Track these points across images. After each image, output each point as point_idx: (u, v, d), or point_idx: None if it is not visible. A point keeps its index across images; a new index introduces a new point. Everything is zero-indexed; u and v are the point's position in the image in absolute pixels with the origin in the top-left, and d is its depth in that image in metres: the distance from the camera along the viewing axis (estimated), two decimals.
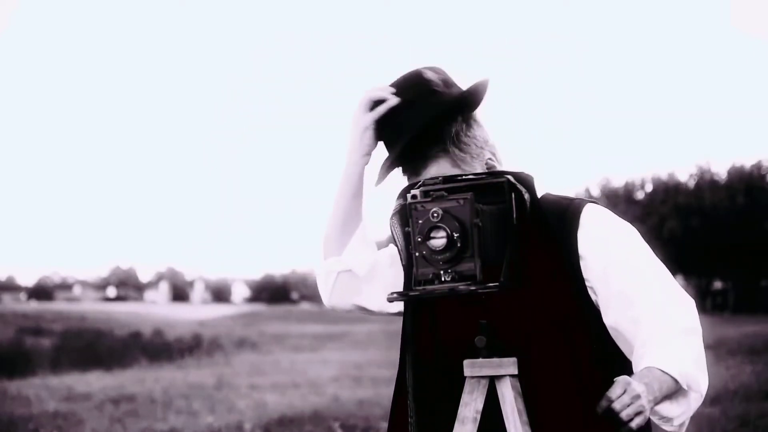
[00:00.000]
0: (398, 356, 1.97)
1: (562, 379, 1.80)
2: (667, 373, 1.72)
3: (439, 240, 1.63)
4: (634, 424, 1.65)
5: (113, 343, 21.82)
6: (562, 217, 1.86)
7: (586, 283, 1.84)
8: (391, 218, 1.86)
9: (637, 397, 1.65)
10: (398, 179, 1.97)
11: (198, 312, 54.04)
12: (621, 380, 1.67)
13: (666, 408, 1.75)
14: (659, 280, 1.84)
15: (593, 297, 1.84)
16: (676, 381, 1.73)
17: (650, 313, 1.79)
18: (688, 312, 1.81)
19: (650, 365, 1.73)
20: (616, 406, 1.64)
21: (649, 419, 1.74)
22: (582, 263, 1.83)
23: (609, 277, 1.82)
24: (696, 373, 1.76)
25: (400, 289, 1.94)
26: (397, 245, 1.92)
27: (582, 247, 1.83)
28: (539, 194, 1.88)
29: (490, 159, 1.94)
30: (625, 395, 1.64)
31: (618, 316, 1.81)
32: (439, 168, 1.89)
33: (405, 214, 1.72)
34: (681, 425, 1.79)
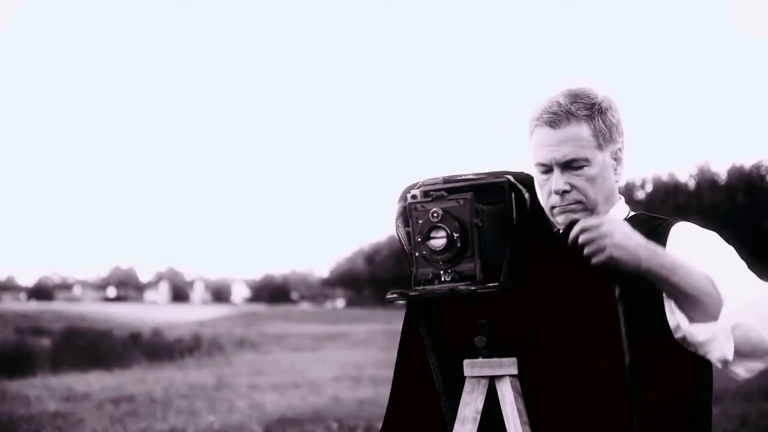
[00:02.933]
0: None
1: (562, 379, 1.80)
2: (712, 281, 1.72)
3: (439, 240, 1.63)
4: (594, 260, 1.65)
5: (113, 343, 21.77)
6: (651, 233, 1.88)
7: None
8: (396, 220, 1.87)
9: (603, 236, 1.64)
10: (401, 181, 1.96)
11: (198, 312, 54.00)
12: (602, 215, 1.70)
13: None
14: (750, 280, 1.83)
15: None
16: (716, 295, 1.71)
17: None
18: None
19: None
20: (580, 237, 1.64)
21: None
22: None
23: None
24: (747, 312, 1.70)
25: None
26: (403, 246, 1.92)
27: None
28: (633, 213, 1.92)
29: (619, 149, 1.92)
30: (591, 231, 1.64)
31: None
32: (579, 129, 1.83)
33: (406, 214, 1.72)
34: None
